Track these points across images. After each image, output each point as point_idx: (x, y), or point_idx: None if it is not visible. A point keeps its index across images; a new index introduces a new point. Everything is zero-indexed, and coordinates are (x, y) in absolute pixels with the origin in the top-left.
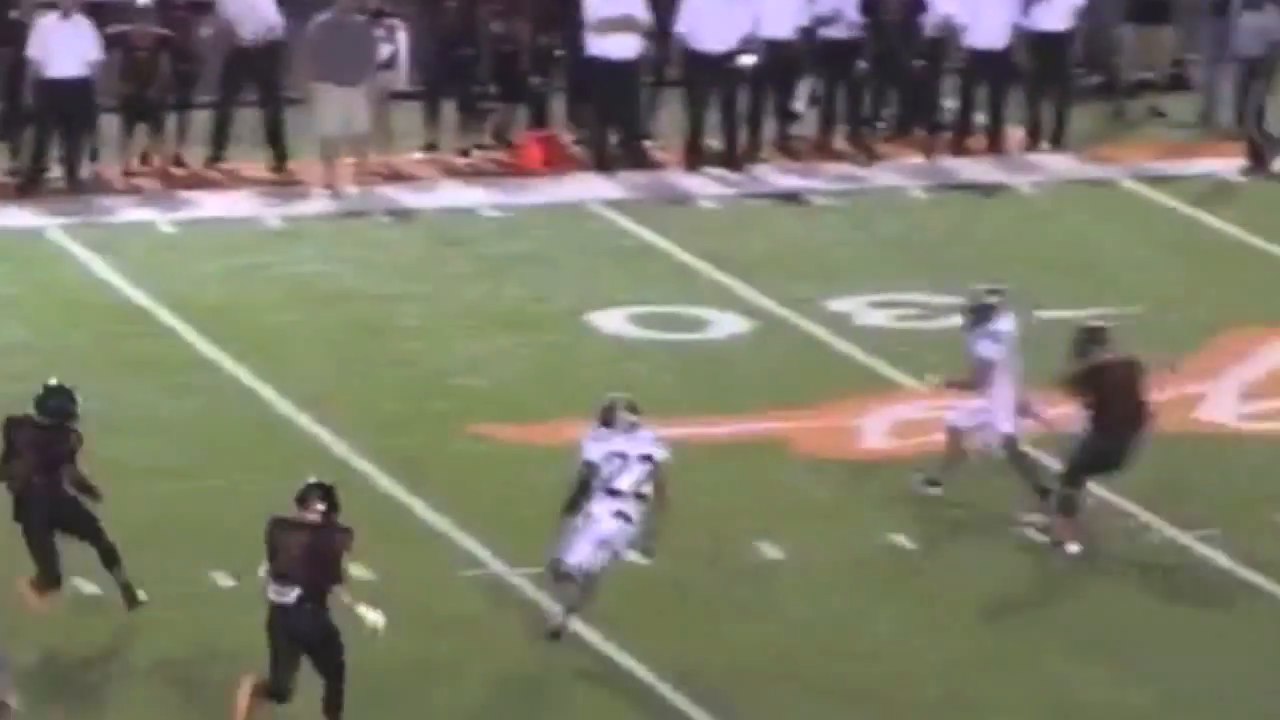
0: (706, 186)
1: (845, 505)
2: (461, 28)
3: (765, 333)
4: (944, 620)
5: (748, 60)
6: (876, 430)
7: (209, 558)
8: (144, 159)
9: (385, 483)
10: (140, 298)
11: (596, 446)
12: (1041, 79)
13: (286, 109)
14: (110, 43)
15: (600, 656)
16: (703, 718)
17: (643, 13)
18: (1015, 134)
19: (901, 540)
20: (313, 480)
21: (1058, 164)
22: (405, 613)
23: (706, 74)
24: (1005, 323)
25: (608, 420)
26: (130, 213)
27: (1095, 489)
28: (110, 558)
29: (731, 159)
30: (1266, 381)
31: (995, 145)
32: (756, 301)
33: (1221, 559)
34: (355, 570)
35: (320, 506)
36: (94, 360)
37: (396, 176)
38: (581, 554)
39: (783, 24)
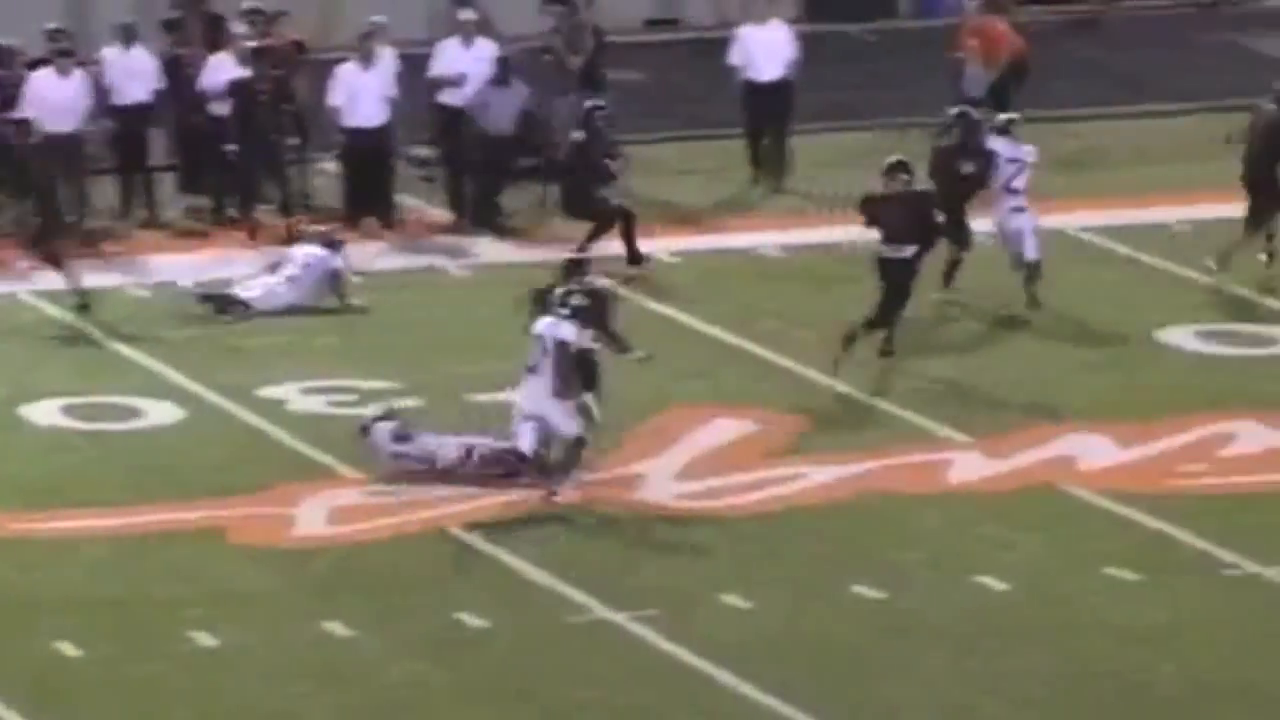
0: (128, 274)
1: (280, 593)
2: None
3: (198, 421)
4: (373, 706)
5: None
6: (312, 517)
7: None
8: None
9: None
10: None
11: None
12: (460, 164)
13: None
14: None
15: None
16: None
17: None
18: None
19: (337, 628)
20: (894, 159)
21: (490, 248)
22: None
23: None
24: None
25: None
26: None
27: (535, 574)
28: None
29: None
30: (703, 461)
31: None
32: (189, 389)
33: (660, 641)
34: None
35: (905, 176)
36: None
37: None
38: None
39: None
